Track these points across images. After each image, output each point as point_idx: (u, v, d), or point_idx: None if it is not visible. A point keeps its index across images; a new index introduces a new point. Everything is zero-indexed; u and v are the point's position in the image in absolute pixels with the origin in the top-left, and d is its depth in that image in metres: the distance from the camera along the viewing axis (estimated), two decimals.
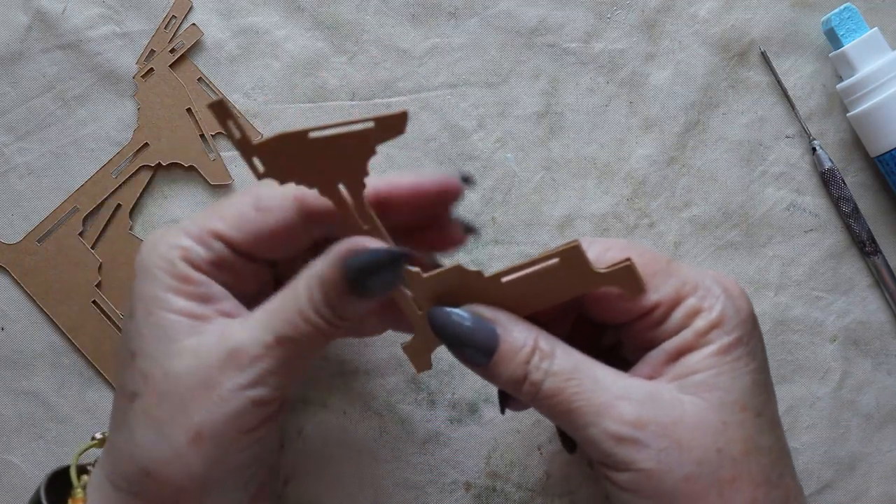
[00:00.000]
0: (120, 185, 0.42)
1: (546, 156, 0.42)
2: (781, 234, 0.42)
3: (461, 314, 0.30)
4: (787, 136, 0.43)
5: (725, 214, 0.42)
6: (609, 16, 0.43)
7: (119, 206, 0.42)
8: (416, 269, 0.30)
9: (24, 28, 0.42)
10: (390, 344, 0.42)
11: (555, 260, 0.30)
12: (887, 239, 0.42)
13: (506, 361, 0.30)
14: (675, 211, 0.42)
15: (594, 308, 0.32)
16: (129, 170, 0.42)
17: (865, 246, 0.42)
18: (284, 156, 0.27)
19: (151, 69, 0.42)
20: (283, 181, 0.28)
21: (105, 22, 0.42)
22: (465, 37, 0.43)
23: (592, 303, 0.31)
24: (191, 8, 0.42)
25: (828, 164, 0.42)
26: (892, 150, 0.40)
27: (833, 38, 0.41)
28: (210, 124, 0.42)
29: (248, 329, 0.29)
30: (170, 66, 0.42)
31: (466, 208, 0.42)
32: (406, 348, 0.33)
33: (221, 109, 0.26)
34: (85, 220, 0.42)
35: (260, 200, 0.30)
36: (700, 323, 0.29)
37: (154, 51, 0.42)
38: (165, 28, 0.42)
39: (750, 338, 0.30)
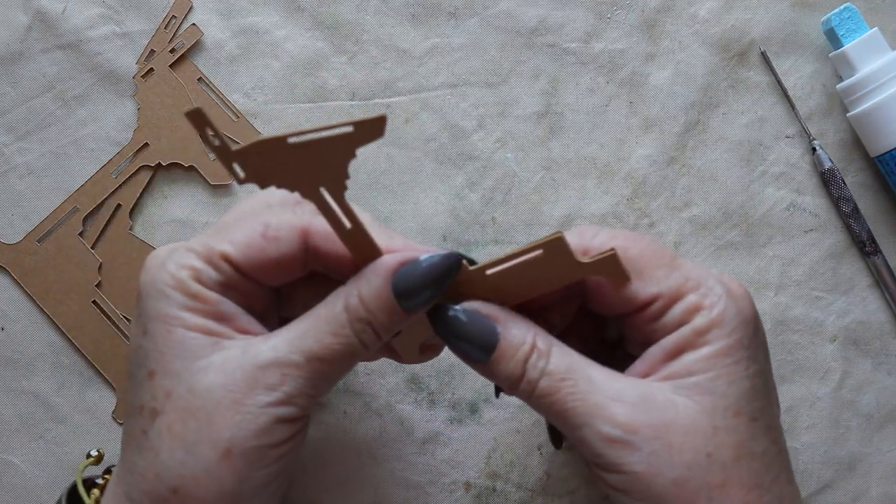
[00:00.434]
0: (120, 185, 0.42)
1: (546, 156, 0.42)
2: (781, 234, 0.42)
3: (460, 311, 0.30)
4: (787, 136, 0.43)
5: (725, 214, 0.42)
6: (609, 16, 0.43)
7: (119, 206, 0.42)
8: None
9: (24, 28, 0.42)
10: None
11: (538, 251, 0.30)
12: (887, 239, 0.42)
13: (505, 359, 0.30)
14: (675, 211, 0.42)
15: (594, 299, 0.32)
16: (129, 170, 0.42)
17: (865, 246, 0.42)
18: (264, 161, 0.27)
19: (151, 69, 0.42)
20: (263, 185, 0.28)
21: (105, 22, 0.42)
22: (465, 37, 0.43)
23: (592, 293, 0.31)
24: (191, 8, 0.42)
25: (828, 164, 0.42)
26: (892, 150, 0.40)
27: (833, 38, 0.41)
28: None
29: (277, 347, 0.29)
30: (170, 66, 0.42)
31: (467, 208, 0.42)
32: (395, 342, 0.33)
33: (199, 118, 0.26)
34: (85, 220, 0.42)
35: (268, 228, 0.30)
36: (699, 321, 0.29)
37: (154, 51, 0.42)
38: (165, 28, 0.42)
39: (751, 340, 0.30)
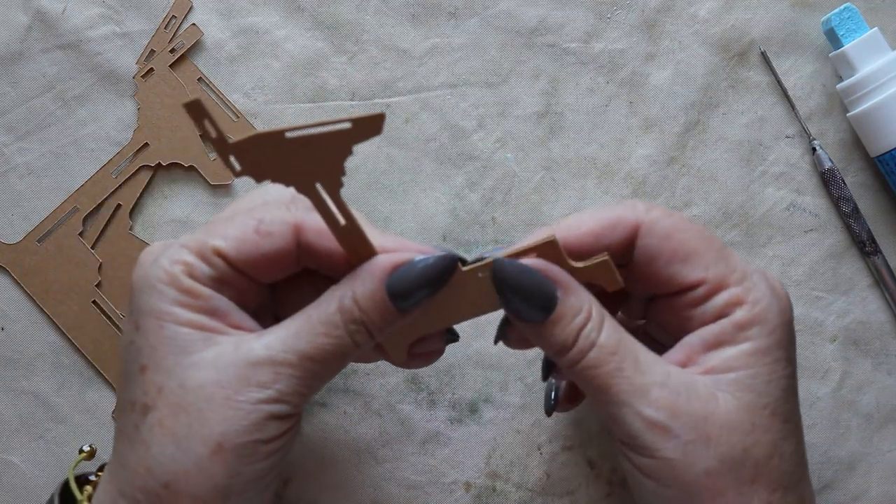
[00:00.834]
0: (120, 185, 0.42)
1: (546, 156, 0.42)
2: (781, 234, 0.42)
3: (528, 266, 0.30)
4: (787, 136, 0.43)
5: (725, 214, 0.42)
6: (609, 16, 0.43)
7: (119, 206, 0.42)
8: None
9: (24, 28, 0.42)
10: None
11: (532, 255, 0.30)
12: (887, 239, 0.42)
13: (560, 324, 0.30)
14: (676, 211, 0.42)
15: (638, 277, 0.32)
16: (129, 170, 0.42)
17: (865, 246, 0.42)
18: (261, 155, 0.27)
19: (151, 69, 0.42)
20: (259, 179, 0.28)
21: (105, 22, 0.42)
22: (465, 37, 0.43)
23: (638, 271, 0.31)
24: (191, 8, 0.42)
25: (828, 164, 0.42)
26: (892, 150, 0.40)
27: (833, 38, 0.41)
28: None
29: (270, 345, 0.29)
30: (170, 66, 0.42)
31: (467, 208, 0.42)
32: (385, 341, 0.32)
33: (197, 108, 0.26)
34: (85, 220, 0.42)
35: (262, 224, 0.31)
36: (741, 315, 0.29)
37: (154, 51, 0.42)
38: (165, 28, 0.42)
39: (788, 341, 0.30)
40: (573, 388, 0.37)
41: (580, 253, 0.31)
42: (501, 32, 0.43)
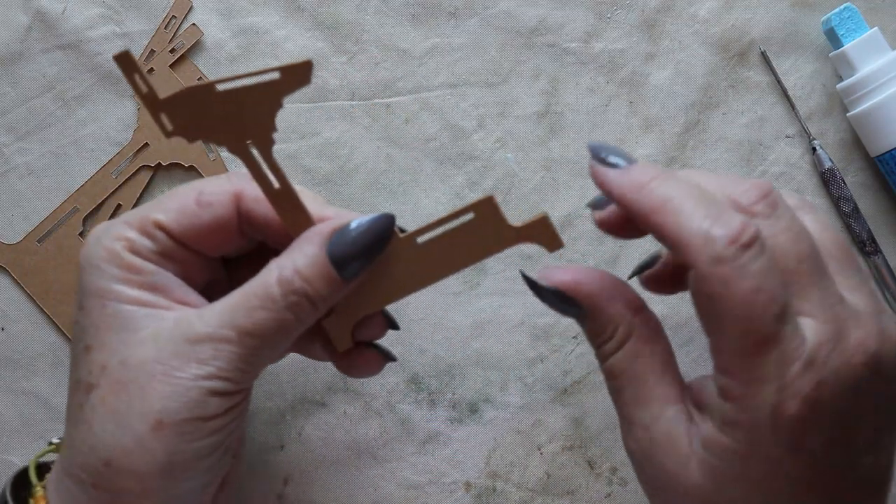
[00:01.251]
0: (120, 185, 0.42)
1: (546, 156, 0.42)
2: None
3: (555, 290, 0.29)
4: (787, 136, 0.43)
5: None
6: (609, 16, 0.43)
7: (119, 206, 0.42)
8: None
9: (24, 28, 0.42)
10: (390, 344, 0.42)
11: (469, 215, 0.30)
12: (887, 239, 0.42)
13: (587, 332, 0.30)
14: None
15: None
16: (129, 170, 0.42)
17: (865, 246, 0.42)
18: (192, 112, 0.27)
19: (151, 69, 0.42)
20: (191, 139, 0.28)
21: (105, 22, 0.42)
22: (465, 37, 0.43)
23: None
24: (191, 8, 0.42)
25: (828, 164, 0.42)
26: (892, 150, 0.40)
27: (833, 38, 0.41)
28: None
29: (208, 320, 0.29)
30: (170, 66, 0.42)
31: None
32: (326, 323, 0.32)
33: (127, 61, 0.26)
34: (85, 220, 0.42)
35: (202, 195, 0.31)
36: (728, 409, 0.26)
37: (154, 51, 0.42)
38: (165, 28, 0.42)
39: (776, 450, 0.26)
40: (671, 274, 0.34)
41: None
42: (501, 32, 0.43)
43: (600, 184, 0.29)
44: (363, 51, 0.43)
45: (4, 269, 0.42)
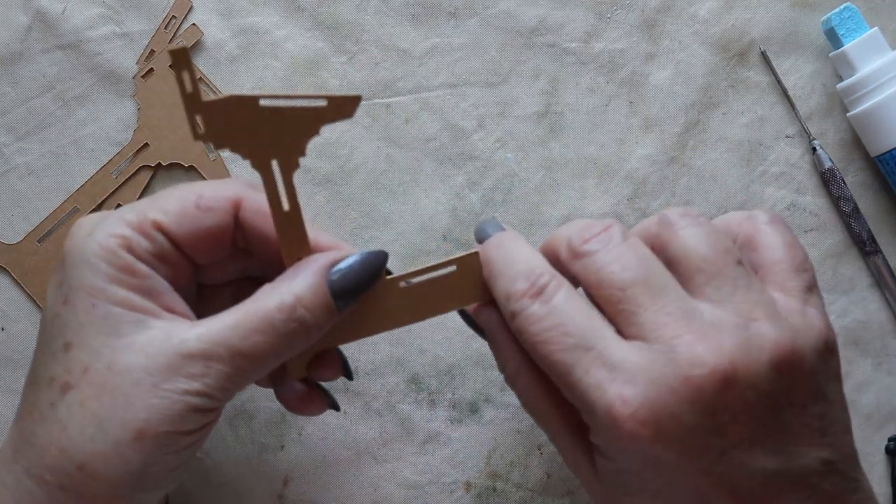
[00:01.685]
0: (120, 185, 0.42)
1: (546, 156, 0.42)
2: None
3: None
4: (787, 136, 0.43)
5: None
6: (609, 16, 0.43)
7: (119, 206, 0.42)
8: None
9: (24, 28, 0.42)
10: (390, 344, 0.42)
11: (452, 268, 0.31)
12: (887, 239, 0.42)
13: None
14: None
15: None
16: (129, 170, 0.42)
17: (865, 246, 0.42)
18: (230, 120, 0.27)
19: (151, 69, 0.42)
20: (219, 146, 0.27)
21: (105, 22, 0.42)
22: (465, 37, 0.43)
23: None
24: (191, 8, 0.42)
25: (828, 164, 0.42)
26: (892, 150, 0.40)
27: (833, 38, 0.41)
28: None
29: (203, 337, 0.29)
30: (170, 66, 0.42)
31: (467, 208, 0.42)
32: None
33: (182, 57, 0.26)
34: None
35: (202, 198, 0.30)
36: (590, 419, 0.29)
37: (154, 51, 0.42)
38: (165, 28, 0.42)
39: (636, 460, 0.28)
40: None
41: None
42: (501, 32, 0.43)
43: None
44: (363, 51, 0.43)
45: (4, 269, 0.42)
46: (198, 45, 0.42)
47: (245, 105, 0.27)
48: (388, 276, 0.31)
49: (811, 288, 0.30)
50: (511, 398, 0.42)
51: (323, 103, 0.27)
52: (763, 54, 0.43)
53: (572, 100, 0.43)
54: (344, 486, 0.41)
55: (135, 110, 0.42)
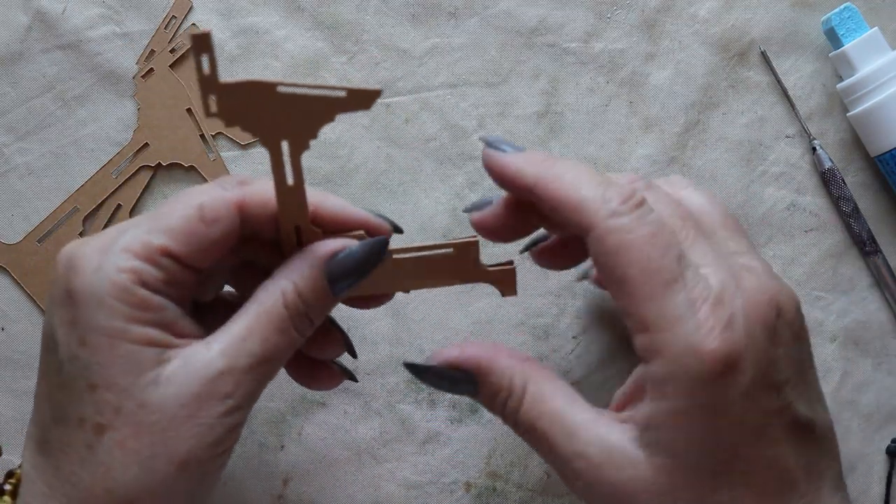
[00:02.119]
0: (120, 185, 0.42)
1: None
2: (781, 234, 0.42)
3: (442, 370, 0.31)
4: (787, 136, 0.43)
5: None
6: (609, 16, 0.43)
7: (119, 206, 0.42)
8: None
9: (24, 28, 0.42)
10: (391, 344, 0.42)
11: (449, 250, 0.32)
12: (887, 239, 0.42)
13: (487, 401, 0.32)
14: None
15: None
16: (129, 170, 0.42)
17: (865, 246, 0.42)
18: (244, 103, 0.27)
19: (151, 69, 0.42)
20: (229, 124, 0.27)
21: (105, 22, 0.42)
22: (465, 37, 0.43)
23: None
24: (191, 8, 0.42)
25: (828, 164, 0.42)
26: (892, 150, 0.40)
27: (833, 38, 0.41)
28: (210, 124, 0.42)
29: (224, 352, 0.29)
30: (170, 66, 0.42)
31: None
32: None
33: (203, 41, 0.26)
34: (85, 220, 0.42)
35: (205, 210, 0.30)
36: (655, 368, 0.27)
37: (154, 51, 0.42)
38: (165, 28, 0.42)
39: (714, 396, 0.27)
40: (561, 247, 0.37)
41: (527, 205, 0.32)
42: (501, 32, 0.43)
43: (497, 165, 0.31)
44: (363, 51, 0.43)
45: (4, 269, 0.42)
46: None
47: (262, 90, 0.27)
48: (395, 256, 0.32)
49: (753, 245, 0.31)
50: None
51: (342, 94, 0.27)
52: (763, 54, 0.43)
53: (572, 100, 0.43)
54: (344, 486, 0.41)
55: (135, 110, 0.42)
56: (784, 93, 0.43)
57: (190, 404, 0.28)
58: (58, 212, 0.42)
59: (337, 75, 0.42)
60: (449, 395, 0.42)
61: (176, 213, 0.29)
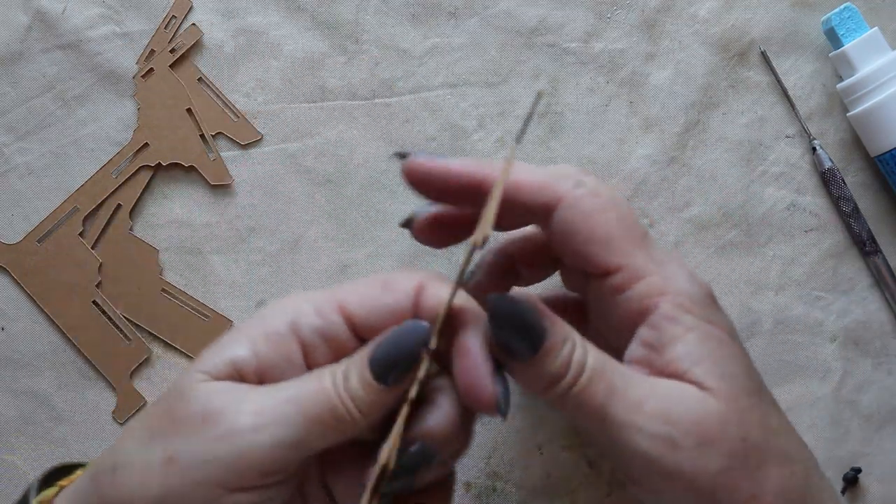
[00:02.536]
0: (120, 185, 0.42)
1: (546, 156, 0.42)
2: (781, 234, 0.42)
3: (521, 302, 0.28)
4: (787, 136, 0.43)
5: (725, 214, 0.42)
6: (609, 16, 0.43)
7: (119, 206, 0.42)
8: None
9: (24, 28, 0.42)
10: None
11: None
12: (887, 239, 0.42)
13: (552, 354, 0.28)
14: (675, 211, 0.42)
15: (560, 247, 0.31)
16: (129, 170, 0.42)
17: (865, 246, 0.42)
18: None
19: (151, 69, 0.42)
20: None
21: (105, 22, 0.42)
22: (465, 37, 0.43)
23: (557, 241, 0.30)
24: (191, 8, 0.42)
25: (828, 164, 0.42)
26: (892, 150, 0.40)
27: (833, 38, 0.41)
28: (210, 124, 0.42)
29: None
30: (170, 66, 0.42)
31: None
32: None
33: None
34: (85, 220, 0.42)
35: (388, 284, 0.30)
36: (667, 307, 0.29)
37: (154, 51, 0.42)
38: (165, 28, 0.42)
39: (720, 319, 0.30)
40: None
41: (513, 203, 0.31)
42: (501, 32, 0.43)
43: (443, 171, 0.31)
44: (363, 51, 0.43)
45: (4, 269, 0.42)
46: (198, 45, 0.42)
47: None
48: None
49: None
50: (511, 398, 0.41)
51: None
52: (763, 54, 0.43)
53: (572, 100, 0.43)
54: None
55: (135, 110, 0.42)
56: (784, 93, 0.43)
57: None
58: (58, 212, 0.42)
59: (337, 75, 0.42)
60: None
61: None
